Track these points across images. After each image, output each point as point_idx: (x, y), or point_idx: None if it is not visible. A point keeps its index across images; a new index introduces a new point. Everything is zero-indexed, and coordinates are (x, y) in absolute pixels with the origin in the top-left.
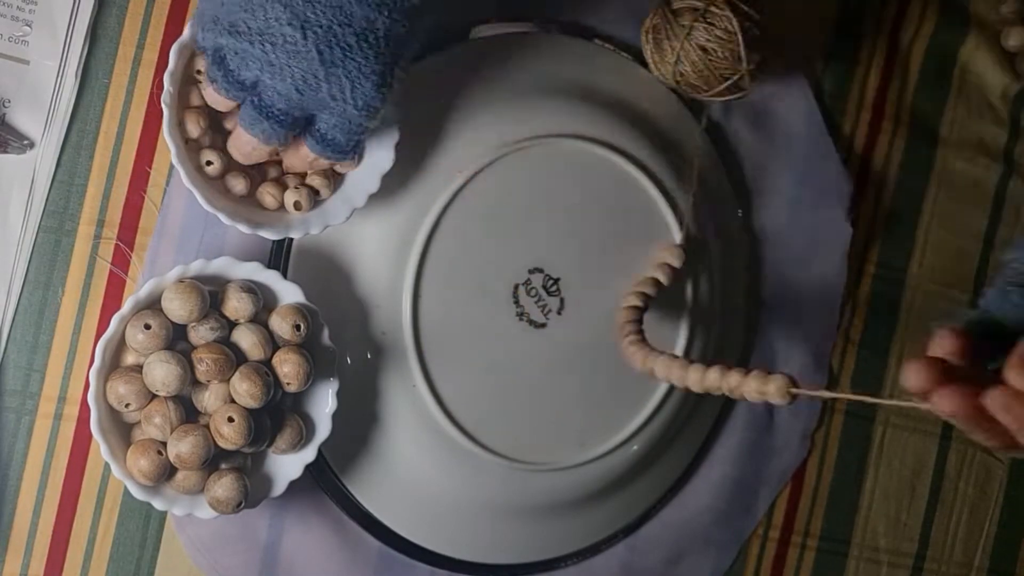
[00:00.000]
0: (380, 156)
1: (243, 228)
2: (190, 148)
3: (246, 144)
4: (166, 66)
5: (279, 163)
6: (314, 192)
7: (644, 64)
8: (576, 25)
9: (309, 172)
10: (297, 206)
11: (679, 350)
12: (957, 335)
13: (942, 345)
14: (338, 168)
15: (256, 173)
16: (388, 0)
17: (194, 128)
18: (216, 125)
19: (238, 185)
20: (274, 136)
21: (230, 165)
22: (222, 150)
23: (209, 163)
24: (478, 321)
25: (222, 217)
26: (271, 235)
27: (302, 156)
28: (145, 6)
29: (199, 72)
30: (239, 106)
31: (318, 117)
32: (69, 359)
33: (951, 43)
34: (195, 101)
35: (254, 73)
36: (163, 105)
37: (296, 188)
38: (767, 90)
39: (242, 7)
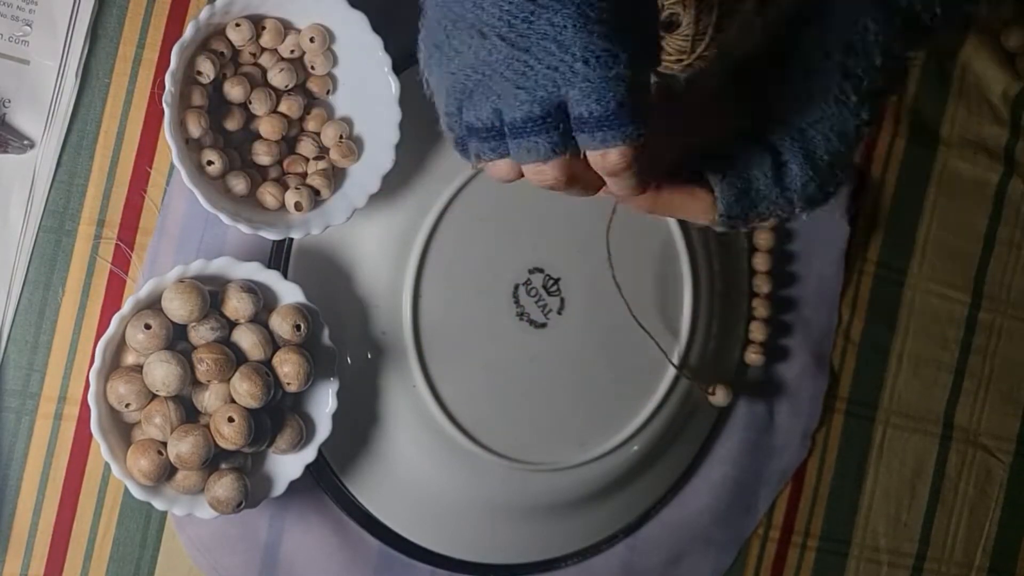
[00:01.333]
0: (381, 156)
1: (244, 228)
2: (191, 148)
3: (537, 174)
4: (166, 66)
5: (280, 163)
6: (315, 192)
7: None
8: None
9: (604, 178)
10: (298, 207)
11: (679, 350)
12: None
13: None
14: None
15: (257, 173)
16: None
17: (195, 128)
18: (217, 125)
19: (239, 185)
20: (546, 149)
21: (231, 165)
22: (223, 150)
23: (210, 163)
24: (478, 321)
25: (223, 217)
26: (272, 235)
27: (595, 165)
28: (145, 6)
29: (199, 73)
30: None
31: (569, 103)
32: (69, 359)
33: (951, 43)
34: (196, 101)
35: (490, 110)
36: (164, 105)
37: (297, 188)
38: None
39: (439, 64)
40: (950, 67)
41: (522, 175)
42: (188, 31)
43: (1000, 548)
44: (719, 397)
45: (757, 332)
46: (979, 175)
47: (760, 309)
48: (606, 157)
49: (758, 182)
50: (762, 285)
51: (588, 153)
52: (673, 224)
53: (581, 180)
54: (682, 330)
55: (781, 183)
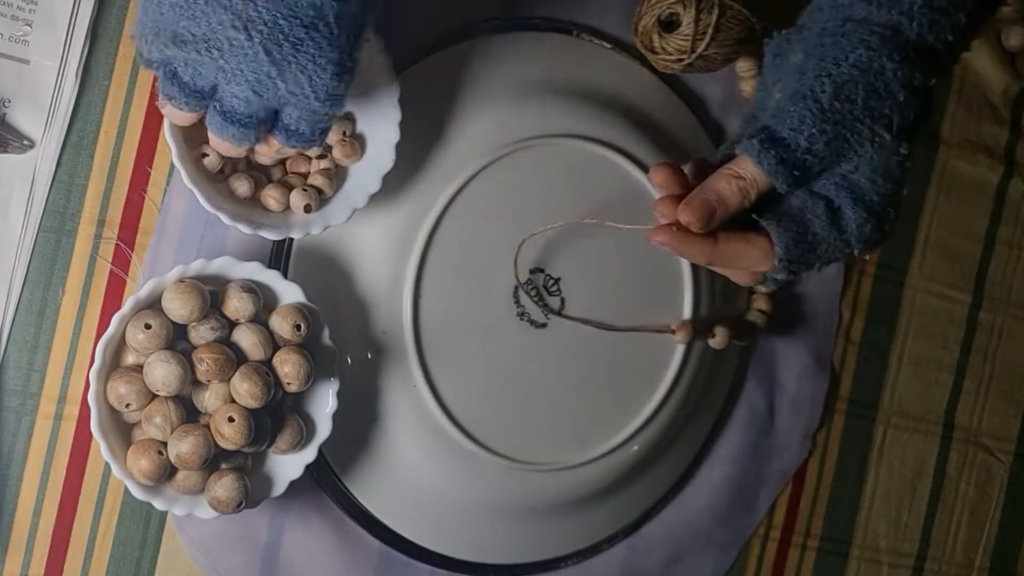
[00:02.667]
0: (381, 156)
1: (244, 228)
2: (190, 145)
3: (222, 147)
4: None
5: (283, 163)
6: (317, 192)
7: (642, 61)
8: (575, 24)
9: (277, 162)
10: (307, 208)
11: (680, 348)
12: (661, 169)
13: (655, 172)
14: (309, 153)
15: (261, 175)
16: None
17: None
18: None
19: (241, 188)
20: (244, 138)
21: (234, 165)
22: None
23: (205, 155)
24: (479, 321)
25: (223, 217)
26: (272, 235)
27: (269, 145)
28: None
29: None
30: (205, 114)
31: (283, 111)
32: (69, 359)
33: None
34: None
35: (209, 81)
36: (161, 108)
37: (304, 190)
38: None
39: (184, 15)
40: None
41: (192, 121)
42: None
43: (1001, 548)
44: (718, 340)
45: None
46: (979, 175)
47: (760, 301)
48: (282, 148)
49: (814, 226)
50: (765, 308)
51: (272, 143)
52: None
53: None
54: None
55: (837, 226)
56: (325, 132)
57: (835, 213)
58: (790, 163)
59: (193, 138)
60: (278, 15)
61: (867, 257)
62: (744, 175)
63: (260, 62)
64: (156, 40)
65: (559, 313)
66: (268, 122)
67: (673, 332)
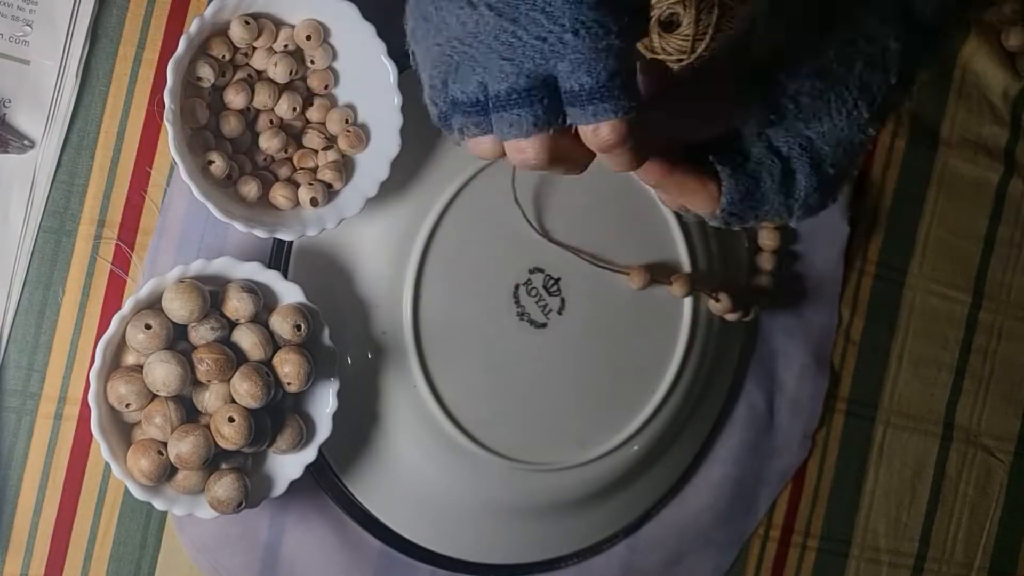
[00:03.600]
0: (387, 142)
1: (260, 233)
2: (195, 152)
3: (519, 155)
4: (167, 66)
5: (290, 160)
6: (327, 186)
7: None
8: None
9: (597, 151)
10: (314, 202)
11: (680, 349)
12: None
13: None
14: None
15: (268, 175)
16: None
17: (201, 116)
18: (218, 131)
19: (250, 191)
20: (531, 120)
21: (241, 170)
22: (230, 155)
23: (211, 162)
24: (479, 321)
25: (239, 225)
26: (289, 236)
27: (587, 141)
28: (146, 6)
29: (199, 78)
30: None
31: (559, 79)
32: (69, 359)
33: (952, 43)
34: (199, 114)
35: (474, 84)
36: (167, 123)
37: (310, 184)
38: None
39: (430, 34)
40: (950, 67)
41: (504, 153)
42: (181, 45)
43: (1000, 548)
44: (722, 304)
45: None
46: (979, 175)
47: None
48: (598, 132)
49: (765, 185)
50: (764, 263)
51: (580, 128)
52: (674, 220)
53: (565, 159)
54: (683, 329)
55: (786, 190)
56: (613, 74)
57: (788, 176)
58: (770, 103)
59: (197, 149)
60: None
61: (795, 224)
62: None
63: (489, 21)
64: (435, 87)
65: (553, 241)
66: (539, 93)
67: (671, 283)
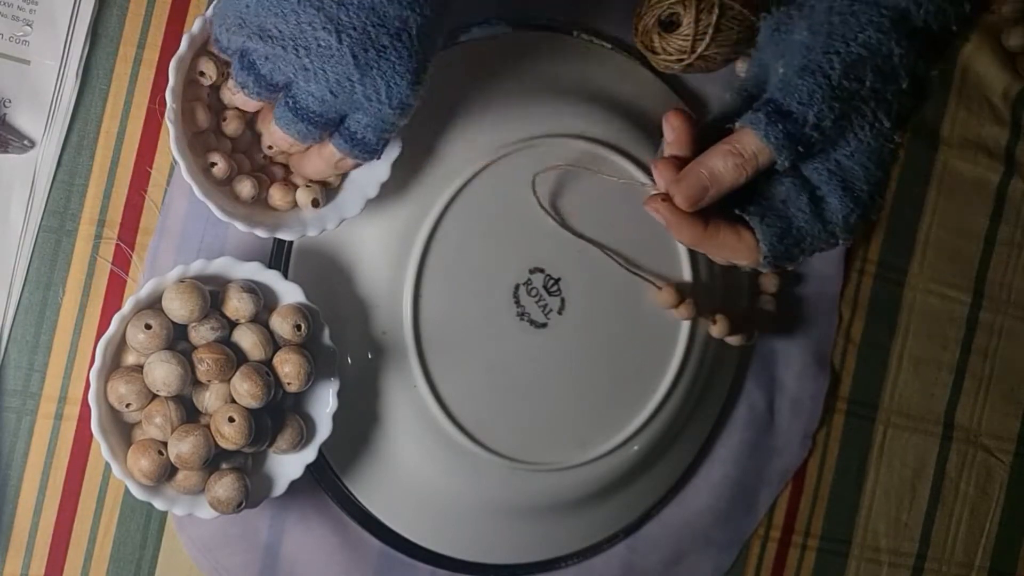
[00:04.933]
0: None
1: (261, 233)
2: (196, 156)
3: (282, 141)
4: (167, 66)
5: (285, 165)
6: (324, 186)
7: (642, 61)
8: (575, 24)
9: (328, 176)
10: (315, 203)
11: (680, 349)
12: (682, 114)
13: (668, 120)
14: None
15: (264, 175)
16: None
17: (203, 119)
18: (218, 129)
19: (245, 190)
20: (309, 136)
21: (240, 170)
22: (230, 155)
23: (213, 164)
24: (479, 321)
25: (239, 225)
26: (289, 236)
27: (326, 156)
28: (146, 6)
29: (202, 74)
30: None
31: (350, 117)
32: (70, 359)
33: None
34: (199, 116)
35: (287, 76)
36: (168, 123)
37: (309, 186)
38: None
39: (272, 11)
40: (950, 67)
41: (258, 109)
42: (183, 44)
43: (1001, 548)
44: (719, 327)
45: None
46: (979, 175)
47: (767, 306)
48: (341, 162)
49: (798, 220)
50: (768, 285)
51: (332, 147)
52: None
53: (304, 158)
54: (682, 331)
55: (822, 218)
56: (386, 144)
57: (819, 204)
58: (797, 138)
59: (199, 149)
60: (368, 22)
61: (848, 244)
62: (743, 152)
63: (345, 64)
64: (239, 31)
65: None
66: (333, 125)
67: (713, 323)
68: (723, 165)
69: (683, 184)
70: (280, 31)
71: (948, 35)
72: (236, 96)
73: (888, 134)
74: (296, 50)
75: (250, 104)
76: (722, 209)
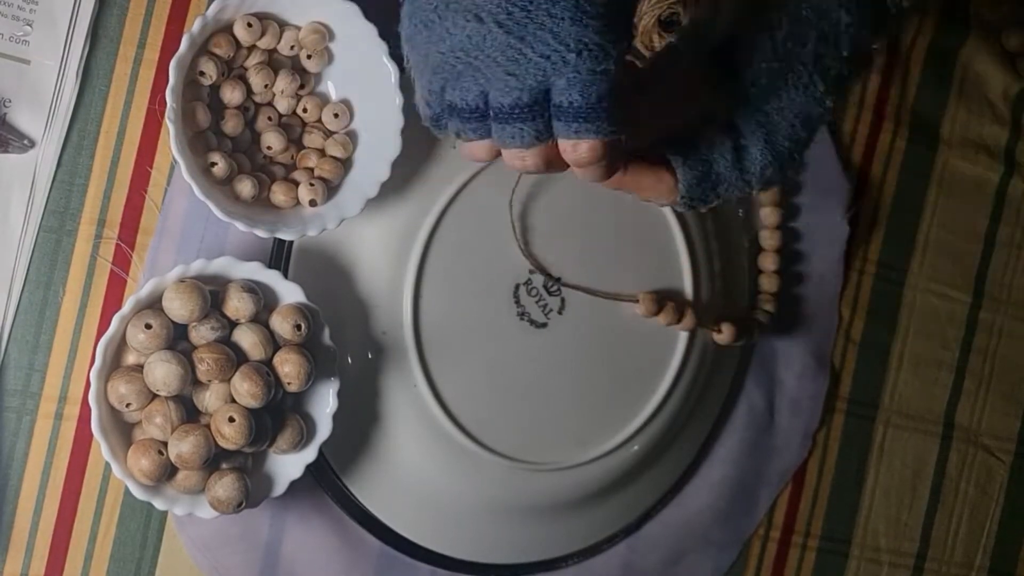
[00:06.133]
0: (388, 142)
1: (261, 233)
2: (196, 156)
3: (517, 161)
4: (167, 65)
5: (285, 165)
6: (326, 183)
7: (641, 60)
8: None
9: (571, 165)
10: (313, 204)
11: (680, 349)
12: None
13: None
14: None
15: (264, 175)
16: None
17: (203, 119)
18: (218, 130)
19: (245, 189)
20: (527, 135)
21: (240, 169)
22: (230, 155)
23: (213, 164)
24: (479, 321)
25: (239, 225)
26: (289, 235)
27: (564, 154)
28: (146, 6)
29: (202, 73)
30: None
31: (552, 91)
32: (70, 359)
33: (952, 43)
34: (200, 117)
35: (475, 93)
36: (168, 122)
37: (311, 184)
38: None
39: (432, 38)
40: (950, 67)
41: (498, 155)
42: (184, 44)
43: (1001, 548)
44: (725, 336)
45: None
46: (979, 175)
47: (768, 306)
48: (577, 148)
49: (718, 164)
50: (768, 285)
51: (560, 141)
52: (674, 220)
53: (556, 164)
54: (681, 336)
55: (740, 166)
56: (602, 97)
57: (740, 152)
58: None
59: (199, 149)
60: None
61: (757, 193)
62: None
63: (497, 37)
64: (433, 91)
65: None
66: (540, 109)
67: (718, 331)
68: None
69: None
70: (442, 52)
71: (899, 11)
72: (464, 152)
73: (821, 98)
74: (458, 57)
75: (480, 149)
76: (645, 150)
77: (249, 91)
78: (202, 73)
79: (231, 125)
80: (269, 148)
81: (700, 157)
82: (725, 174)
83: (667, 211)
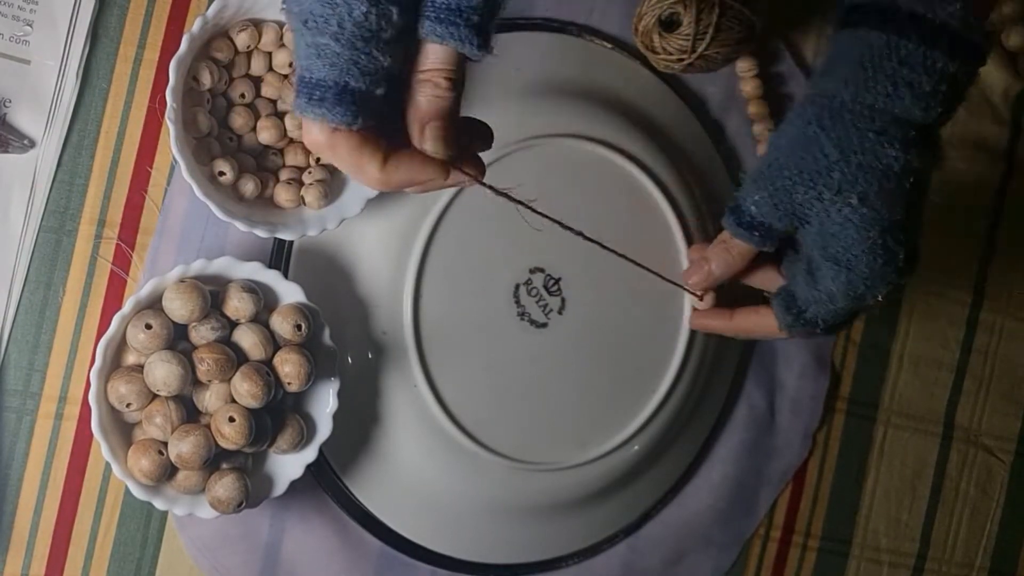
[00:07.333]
0: None
1: (261, 233)
2: (199, 159)
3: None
4: (167, 66)
5: (288, 166)
6: (327, 183)
7: (642, 61)
8: (575, 24)
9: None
10: (313, 203)
11: (680, 349)
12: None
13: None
14: None
15: (268, 175)
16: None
17: (204, 125)
18: (219, 131)
19: (248, 188)
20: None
21: (241, 169)
22: (232, 156)
23: (222, 173)
24: (479, 321)
25: (240, 225)
26: (290, 235)
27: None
28: (146, 6)
29: (196, 80)
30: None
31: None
32: (70, 359)
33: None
34: (200, 119)
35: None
36: (168, 122)
37: (311, 185)
38: None
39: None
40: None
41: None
42: (184, 44)
43: (1001, 548)
44: (707, 302)
45: None
46: (979, 175)
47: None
48: (307, 129)
49: (798, 288)
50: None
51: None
52: (674, 220)
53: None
54: (682, 331)
55: (815, 284)
56: (338, 84)
57: (813, 273)
58: (748, 226)
59: (203, 157)
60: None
61: (881, 299)
62: (724, 238)
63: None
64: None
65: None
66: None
67: (700, 298)
68: (714, 251)
69: (690, 269)
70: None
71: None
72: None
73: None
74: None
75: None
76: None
77: (257, 90)
78: (195, 79)
79: (239, 123)
80: (267, 140)
81: (785, 287)
82: (804, 296)
83: (667, 211)
